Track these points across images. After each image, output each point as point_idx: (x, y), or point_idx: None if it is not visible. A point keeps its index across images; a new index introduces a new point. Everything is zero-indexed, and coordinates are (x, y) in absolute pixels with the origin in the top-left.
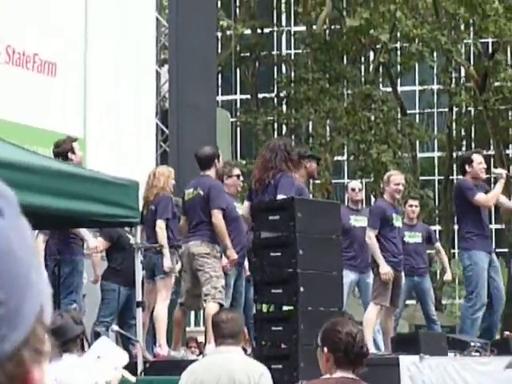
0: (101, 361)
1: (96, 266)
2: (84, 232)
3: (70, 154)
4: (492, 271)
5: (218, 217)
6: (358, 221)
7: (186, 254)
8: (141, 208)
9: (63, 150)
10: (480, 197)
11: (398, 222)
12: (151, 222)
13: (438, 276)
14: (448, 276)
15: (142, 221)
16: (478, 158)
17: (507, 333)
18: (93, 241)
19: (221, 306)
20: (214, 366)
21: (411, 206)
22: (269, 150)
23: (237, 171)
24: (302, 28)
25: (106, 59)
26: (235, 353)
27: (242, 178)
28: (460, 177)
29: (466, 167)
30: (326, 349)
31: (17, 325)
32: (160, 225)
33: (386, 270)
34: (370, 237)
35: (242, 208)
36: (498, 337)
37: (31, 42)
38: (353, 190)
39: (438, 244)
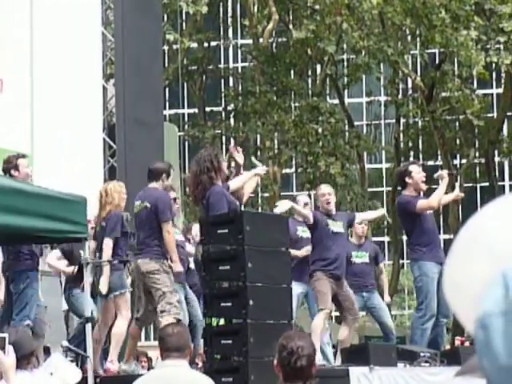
0: (54, 377)
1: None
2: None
3: (12, 171)
4: (442, 281)
5: (168, 229)
6: (305, 232)
7: (137, 272)
8: (95, 225)
9: (7, 166)
10: (421, 202)
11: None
12: (103, 238)
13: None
14: (386, 299)
15: (96, 237)
16: (415, 169)
17: (458, 338)
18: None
19: (178, 320)
20: (160, 379)
21: (360, 223)
22: (195, 164)
23: (173, 195)
24: (249, 41)
25: (52, 74)
26: (181, 366)
27: (178, 202)
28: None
29: (407, 179)
30: (275, 362)
31: None
32: (107, 243)
33: None
34: None
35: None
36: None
37: None
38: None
39: (381, 265)
